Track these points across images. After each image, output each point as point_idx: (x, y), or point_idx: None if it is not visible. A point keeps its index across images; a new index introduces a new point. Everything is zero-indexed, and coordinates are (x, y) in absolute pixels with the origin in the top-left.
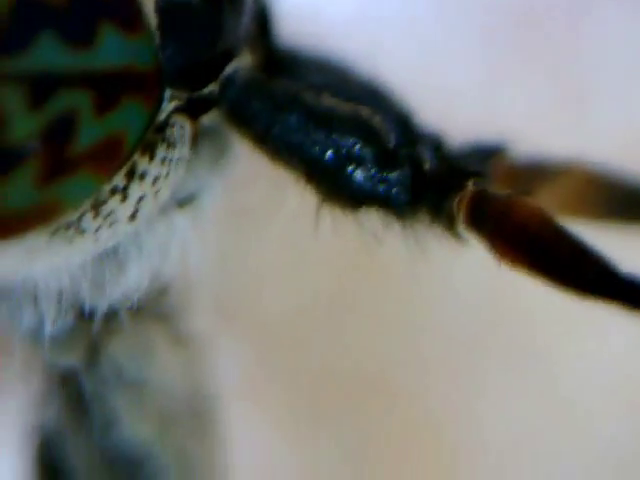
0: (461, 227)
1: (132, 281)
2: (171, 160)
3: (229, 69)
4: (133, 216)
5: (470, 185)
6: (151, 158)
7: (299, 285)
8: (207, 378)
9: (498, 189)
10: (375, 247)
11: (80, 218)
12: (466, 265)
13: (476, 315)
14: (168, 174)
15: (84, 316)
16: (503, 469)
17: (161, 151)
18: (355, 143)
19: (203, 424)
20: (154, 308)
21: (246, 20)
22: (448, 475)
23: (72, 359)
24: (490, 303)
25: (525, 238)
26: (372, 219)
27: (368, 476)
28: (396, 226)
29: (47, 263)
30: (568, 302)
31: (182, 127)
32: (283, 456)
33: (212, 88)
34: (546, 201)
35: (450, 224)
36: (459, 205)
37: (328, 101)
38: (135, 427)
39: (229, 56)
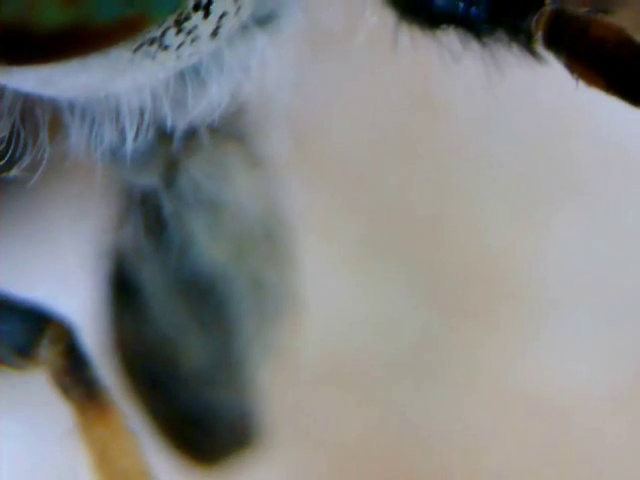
0: (539, 45)
1: (212, 99)
2: None
3: None
4: (215, 33)
5: (548, 3)
6: None
7: (370, 117)
8: (281, 203)
9: (576, 8)
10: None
11: (163, 34)
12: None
13: (546, 152)
14: None
15: (164, 135)
16: (565, 301)
17: None
18: None
19: (277, 248)
20: (232, 128)
21: None
22: (512, 310)
23: (151, 178)
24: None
25: (603, 55)
26: (450, 39)
27: (437, 313)
28: (474, 46)
29: (130, 80)
30: None
31: None
32: (352, 290)
33: None
34: (624, 19)
35: (528, 43)
36: (537, 24)
37: None
38: (211, 249)
39: None
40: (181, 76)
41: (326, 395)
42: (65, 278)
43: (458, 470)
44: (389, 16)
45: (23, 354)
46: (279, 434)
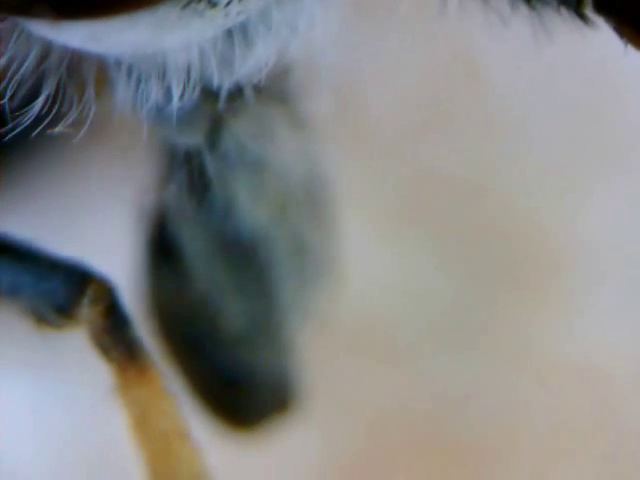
0: (589, 8)
1: (259, 58)
2: None
3: None
4: None
5: None
6: None
7: (412, 83)
8: (324, 166)
9: None
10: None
11: None
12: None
13: (587, 114)
14: None
15: (210, 94)
16: (605, 271)
17: None
18: None
19: (319, 212)
20: (277, 89)
21: None
22: (549, 279)
23: (195, 138)
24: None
25: None
26: (499, 2)
27: (472, 282)
28: (522, 9)
29: (177, 37)
30: None
31: None
32: (386, 257)
33: None
34: None
35: (578, 5)
36: None
37: None
38: (253, 210)
39: None
40: (229, 34)
41: (360, 362)
42: (106, 238)
43: (493, 439)
44: None
45: (64, 312)
46: (314, 399)
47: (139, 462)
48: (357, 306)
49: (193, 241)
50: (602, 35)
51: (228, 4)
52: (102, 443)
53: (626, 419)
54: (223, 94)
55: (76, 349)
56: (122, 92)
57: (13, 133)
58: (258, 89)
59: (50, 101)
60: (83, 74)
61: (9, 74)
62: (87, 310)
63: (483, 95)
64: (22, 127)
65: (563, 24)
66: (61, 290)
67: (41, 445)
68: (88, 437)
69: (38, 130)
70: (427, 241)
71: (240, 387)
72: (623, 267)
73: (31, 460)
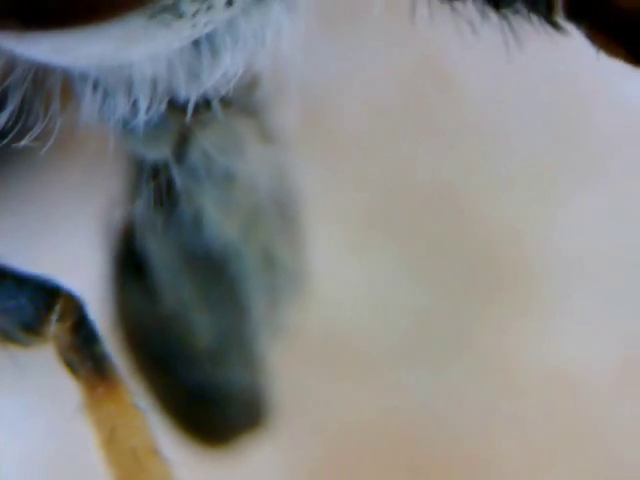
0: (560, 16)
1: (226, 70)
2: None
3: None
4: (230, 2)
5: None
6: None
7: (384, 91)
8: (293, 178)
9: None
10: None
11: (178, 1)
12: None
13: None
14: None
15: (177, 107)
16: (580, 280)
17: None
18: None
19: (288, 225)
20: (245, 101)
21: None
22: (523, 290)
23: (163, 152)
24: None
25: (626, 25)
26: (469, 9)
27: (446, 293)
28: (492, 17)
29: (144, 49)
30: None
31: None
32: (354, 270)
33: None
34: None
35: (549, 13)
36: None
37: None
38: (222, 224)
39: None
40: (196, 46)
41: (329, 376)
42: (74, 254)
43: (466, 454)
44: None
45: (31, 330)
46: (281, 414)
47: (110, 478)
48: (326, 319)
49: (161, 256)
50: (574, 42)
51: (195, 15)
52: (75, 459)
53: (605, 427)
54: (190, 107)
55: (44, 367)
56: (88, 105)
57: None
58: (226, 101)
59: (15, 115)
60: (49, 87)
61: None
62: (55, 327)
63: (455, 102)
64: None
65: (534, 31)
66: (28, 307)
67: (8, 464)
68: (57, 455)
69: (3, 144)
70: (399, 251)
71: (210, 404)
72: (599, 274)
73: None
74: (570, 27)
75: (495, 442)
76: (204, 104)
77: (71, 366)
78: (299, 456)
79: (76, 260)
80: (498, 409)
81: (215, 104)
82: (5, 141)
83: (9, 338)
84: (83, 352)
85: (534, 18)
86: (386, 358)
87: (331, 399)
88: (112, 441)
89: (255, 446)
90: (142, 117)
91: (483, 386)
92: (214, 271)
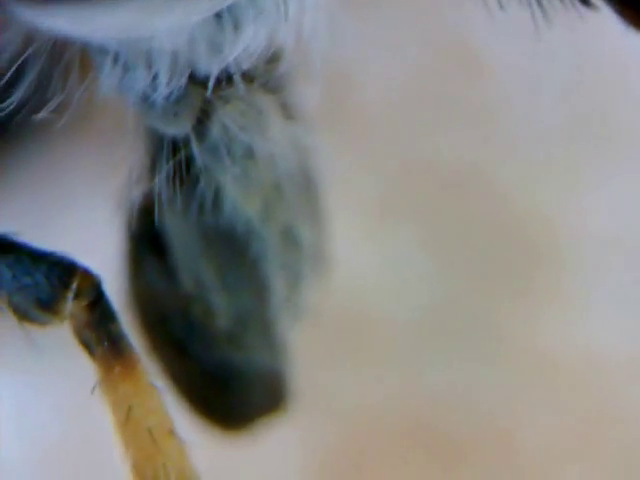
0: None
1: (248, 44)
2: None
3: None
4: None
5: None
6: None
7: (406, 70)
8: (314, 157)
9: None
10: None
11: None
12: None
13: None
14: None
15: (198, 81)
16: (597, 266)
17: None
18: None
19: (311, 204)
20: (267, 78)
21: None
22: (541, 274)
23: (183, 127)
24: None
25: None
26: None
27: (461, 277)
28: None
29: (164, 21)
30: None
31: None
32: (376, 254)
33: None
34: None
35: None
36: None
37: None
38: (243, 203)
39: None
40: (217, 19)
41: (347, 361)
42: (91, 231)
43: (487, 440)
44: None
45: (47, 308)
46: (300, 398)
47: (125, 459)
48: (345, 303)
49: (180, 235)
50: (603, 19)
51: None
52: (87, 440)
53: (626, 418)
54: (212, 81)
55: (61, 345)
56: (108, 79)
57: None
58: (248, 76)
59: (33, 87)
60: (67, 60)
61: None
62: (71, 305)
63: (481, 84)
64: (4, 113)
65: (563, 8)
66: (44, 284)
67: (26, 443)
68: (74, 434)
69: (21, 117)
70: (423, 235)
71: (229, 386)
72: (631, 260)
73: (16, 458)
74: (599, 2)
75: (518, 429)
76: (226, 79)
77: (87, 345)
78: (315, 440)
79: (94, 238)
80: (523, 395)
81: (237, 79)
82: (23, 114)
83: (25, 316)
84: (100, 331)
85: None
86: (406, 343)
87: (349, 383)
88: (128, 421)
89: (272, 429)
90: (162, 91)
91: (506, 371)
92: (234, 251)
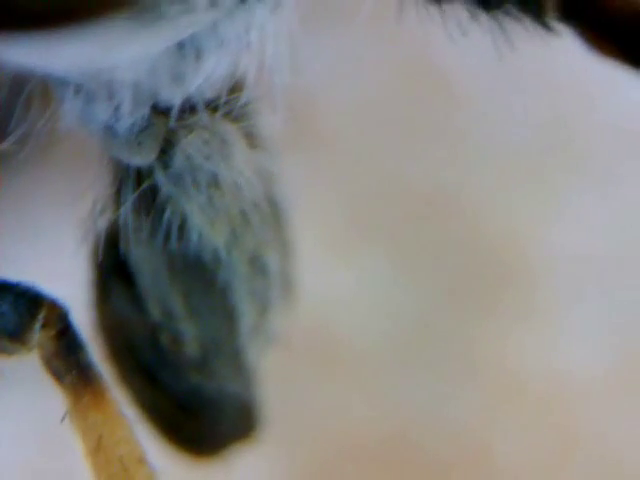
0: (551, 16)
1: (210, 73)
2: None
3: None
4: (213, 2)
5: None
6: None
7: (372, 95)
8: (279, 184)
9: None
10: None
11: (159, 2)
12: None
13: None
14: None
15: (161, 111)
16: (570, 286)
17: None
18: None
19: (277, 230)
20: (230, 106)
21: None
22: (512, 294)
23: (147, 158)
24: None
25: (620, 24)
26: (457, 9)
27: (433, 298)
28: (482, 17)
29: (125, 51)
30: None
31: None
32: (344, 276)
33: None
34: None
35: (539, 14)
36: None
37: None
38: (209, 232)
39: None
40: (179, 48)
41: (319, 382)
42: (57, 261)
43: (464, 459)
44: None
45: (14, 338)
46: (272, 422)
47: None
48: (315, 326)
49: (147, 263)
50: (567, 42)
51: (176, 16)
52: (57, 469)
53: (604, 435)
54: (175, 111)
55: (29, 374)
56: (70, 110)
57: None
58: (211, 106)
59: None
60: (28, 92)
61: None
62: (39, 335)
63: (448, 102)
64: None
65: (526, 32)
66: (11, 314)
67: None
68: (43, 465)
69: None
70: (392, 257)
71: (199, 414)
72: (601, 277)
73: None
74: (561, 28)
75: (494, 449)
76: (189, 108)
77: (56, 374)
78: (288, 464)
79: (60, 267)
80: (497, 414)
81: (200, 108)
82: None
83: None
84: (68, 360)
85: (525, 19)
86: (377, 364)
87: (321, 405)
88: (98, 450)
89: (242, 457)
90: (125, 122)
91: (478, 390)
92: (202, 279)
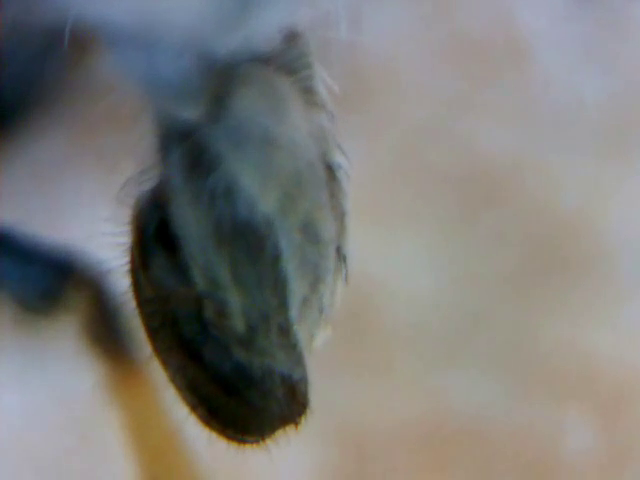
0: None
1: (264, 24)
2: None
3: None
4: None
5: None
6: None
7: (433, 68)
8: (337, 147)
9: None
10: None
11: None
12: None
13: None
14: None
15: (212, 63)
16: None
17: None
18: None
19: (332, 197)
20: (287, 60)
21: None
22: (563, 281)
23: (196, 110)
24: None
25: None
26: None
27: (484, 290)
28: None
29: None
30: None
31: None
32: (388, 251)
33: None
34: None
35: None
36: None
37: None
38: (258, 195)
39: None
40: None
41: (359, 369)
42: (97, 226)
43: (524, 456)
44: None
45: (51, 300)
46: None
47: (133, 460)
48: (360, 309)
49: (192, 229)
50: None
51: None
52: (93, 441)
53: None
54: (227, 64)
55: (65, 342)
56: (116, 61)
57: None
58: (267, 58)
59: (39, 69)
60: (75, 40)
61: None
62: (75, 297)
63: (518, 78)
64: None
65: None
66: (48, 276)
67: (30, 443)
68: (79, 435)
69: (25, 108)
70: (446, 241)
71: (243, 394)
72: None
73: (18, 459)
74: None
75: (562, 446)
76: (241, 61)
77: (92, 340)
78: (326, 457)
79: (101, 232)
80: (566, 409)
81: (255, 61)
82: (26, 105)
83: (28, 307)
84: (105, 327)
85: None
86: (430, 356)
87: (364, 399)
88: (135, 422)
89: (284, 444)
90: (174, 74)
91: (525, 390)
92: (250, 246)
